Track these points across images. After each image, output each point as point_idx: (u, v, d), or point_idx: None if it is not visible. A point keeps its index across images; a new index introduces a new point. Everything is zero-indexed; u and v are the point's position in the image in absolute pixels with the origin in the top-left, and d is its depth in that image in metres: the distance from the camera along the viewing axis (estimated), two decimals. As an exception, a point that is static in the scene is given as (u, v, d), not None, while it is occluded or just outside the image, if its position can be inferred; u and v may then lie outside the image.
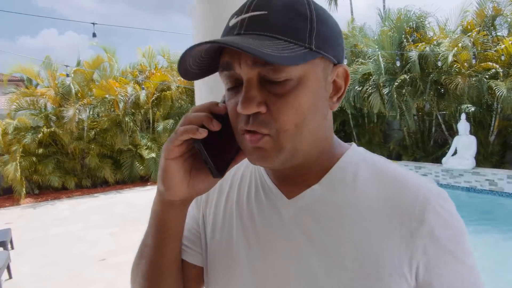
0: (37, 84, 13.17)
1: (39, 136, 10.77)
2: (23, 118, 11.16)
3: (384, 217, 0.60)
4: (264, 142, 0.57)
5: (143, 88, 11.64)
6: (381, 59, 11.24)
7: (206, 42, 0.52)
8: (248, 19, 0.55)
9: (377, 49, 11.59)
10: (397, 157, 12.37)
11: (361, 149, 0.70)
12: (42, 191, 11.30)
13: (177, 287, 0.73)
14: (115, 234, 6.72)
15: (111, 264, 5.25)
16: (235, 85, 0.59)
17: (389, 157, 12.73)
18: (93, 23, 7.51)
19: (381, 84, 11.14)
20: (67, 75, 10.58)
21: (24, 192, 10.28)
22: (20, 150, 10.32)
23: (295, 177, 0.66)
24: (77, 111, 10.78)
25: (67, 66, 10.34)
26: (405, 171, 0.65)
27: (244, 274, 0.67)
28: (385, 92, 10.93)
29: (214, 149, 0.61)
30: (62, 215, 8.53)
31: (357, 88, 11.79)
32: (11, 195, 10.68)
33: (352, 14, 21.62)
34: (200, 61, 0.59)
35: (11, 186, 10.33)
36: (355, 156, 0.67)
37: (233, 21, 0.57)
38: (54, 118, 11.45)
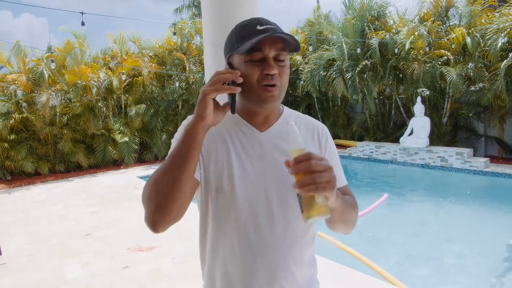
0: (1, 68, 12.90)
1: (10, 122, 10.79)
2: (-8, 105, 11.09)
3: (308, 135, 1.22)
4: (276, 92, 1.05)
5: (123, 73, 11.68)
6: (344, 46, 11.87)
7: (272, 34, 0.98)
8: (272, 26, 1.03)
9: (341, 36, 12.19)
10: (360, 138, 13.11)
11: (288, 108, 1.27)
12: (14, 177, 11.26)
13: (189, 194, 1.01)
14: (96, 212, 6.99)
15: (97, 238, 5.60)
16: (258, 60, 1.03)
17: (352, 137, 13.55)
18: (82, 12, 7.59)
19: (344, 69, 11.80)
20: (52, 61, 10.51)
21: (-3, 178, 10.32)
22: (-9, 136, 10.31)
23: (261, 120, 1.15)
24: (49, 96, 10.84)
25: (43, 50, 10.30)
26: (308, 116, 1.28)
27: (240, 177, 1.09)
28: (348, 77, 11.63)
29: (233, 99, 1.04)
30: (40, 198, 8.70)
31: (322, 73, 12.37)
32: (-17, 181, 10.71)
33: (318, 2, 22.13)
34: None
35: (-17, 172, 10.36)
36: (289, 110, 1.25)
37: (261, 27, 1.02)
38: (25, 104, 11.45)
